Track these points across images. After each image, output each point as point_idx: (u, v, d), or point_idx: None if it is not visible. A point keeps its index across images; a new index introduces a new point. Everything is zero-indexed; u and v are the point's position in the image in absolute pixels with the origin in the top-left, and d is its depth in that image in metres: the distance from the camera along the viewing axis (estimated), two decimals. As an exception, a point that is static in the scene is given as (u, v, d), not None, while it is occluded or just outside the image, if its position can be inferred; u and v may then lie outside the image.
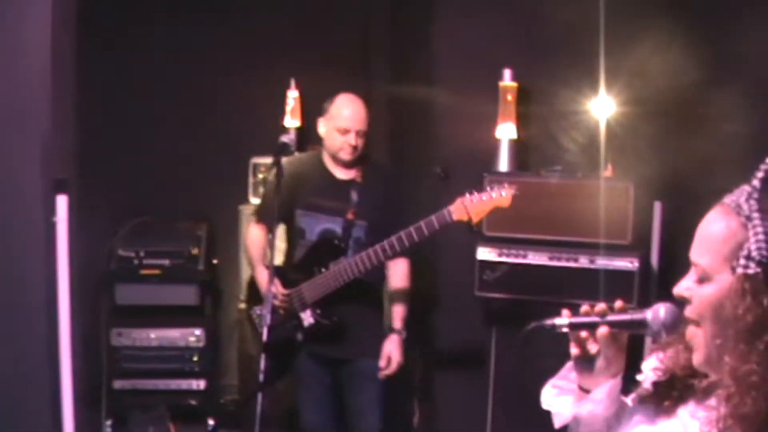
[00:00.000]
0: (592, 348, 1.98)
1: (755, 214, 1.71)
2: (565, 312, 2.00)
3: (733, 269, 1.72)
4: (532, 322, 2.02)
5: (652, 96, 5.10)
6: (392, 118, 6.72)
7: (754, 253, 1.68)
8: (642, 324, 1.93)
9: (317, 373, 4.96)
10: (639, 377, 2.03)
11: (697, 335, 1.84)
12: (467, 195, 4.51)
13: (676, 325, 1.90)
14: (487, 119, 5.29)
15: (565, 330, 1.98)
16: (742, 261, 1.70)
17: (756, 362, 1.68)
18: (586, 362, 2.02)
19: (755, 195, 1.73)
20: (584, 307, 1.99)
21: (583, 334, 1.98)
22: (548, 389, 2.16)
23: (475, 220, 4.51)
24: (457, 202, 4.50)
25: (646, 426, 1.95)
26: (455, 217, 4.49)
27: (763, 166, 1.74)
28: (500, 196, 4.47)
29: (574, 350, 2.02)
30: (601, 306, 1.97)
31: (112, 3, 6.16)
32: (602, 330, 1.95)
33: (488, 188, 4.50)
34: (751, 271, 1.69)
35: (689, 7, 5.00)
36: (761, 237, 1.68)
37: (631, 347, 2.03)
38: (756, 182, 1.74)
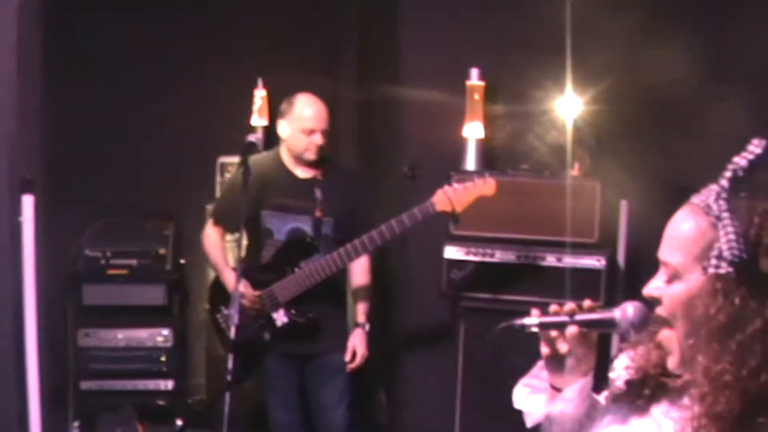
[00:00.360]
0: (562, 347, 1.98)
1: (725, 214, 1.71)
2: (535, 312, 2.00)
3: (705, 269, 1.73)
4: (502, 321, 2.02)
5: (619, 95, 5.12)
6: (360, 117, 6.73)
7: (726, 253, 1.69)
8: (610, 323, 1.94)
9: (285, 372, 4.98)
10: (611, 375, 2.05)
11: (671, 339, 1.84)
12: (449, 186, 4.52)
13: (645, 324, 1.90)
14: (454, 118, 5.29)
15: (534, 330, 1.99)
16: (713, 261, 1.71)
17: (729, 362, 1.69)
18: (557, 361, 2.02)
19: (724, 195, 1.74)
20: (553, 307, 2.00)
21: (553, 333, 1.99)
22: (520, 388, 2.16)
23: (458, 209, 4.52)
24: (438, 193, 4.51)
25: (618, 426, 1.96)
26: (438, 207, 4.51)
27: (730, 166, 1.75)
28: (483, 185, 4.49)
29: (544, 349, 2.02)
30: (570, 305, 1.98)
31: (79, 2, 6.13)
32: (571, 329, 1.95)
33: (471, 178, 4.52)
34: (722, 271, 1.70)
35: (656, 6, 5.02)
36: (732, 237, 1.69)
37: (598, 346, 2.05)
38: (724, 182, 1.75)
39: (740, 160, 1.74)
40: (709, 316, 1.72)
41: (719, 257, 1.70)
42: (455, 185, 4.55)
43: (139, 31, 6.43)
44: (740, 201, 1.73)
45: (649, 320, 1.89)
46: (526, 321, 1.99)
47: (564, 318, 1.97)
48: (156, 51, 6.46)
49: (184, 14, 6.52)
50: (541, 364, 2.10)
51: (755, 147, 1.74)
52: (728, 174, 1.75)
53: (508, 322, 2.00)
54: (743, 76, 4.00)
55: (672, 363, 1.86)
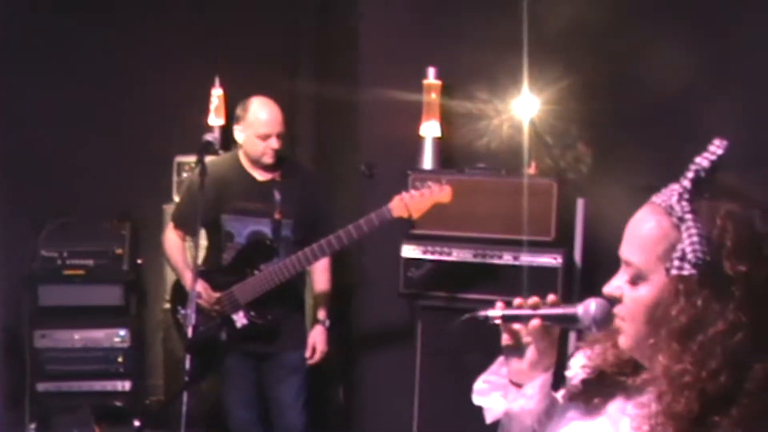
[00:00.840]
0: (525, 340, 2.00)
1: (688, 216, 1.71)
2: (499, 304, 2.01)
3: (667, 270, 1.73)
4: (466, 314, 2.04)
5: (575, 94, 5.15)
6: (317, 116, 6.73)
7: (689, 256, 1.69)
8: (573, 318, 1.95)
9: (243, 369, 5.00)
10: (567, 374, 2.05)
11: (624, 326, 1.85)
12: (406, 192, 4.55)
13: (607, 320, 1.91)
14: (411, 117, 5.30)
15: (497, 322, 2.00)
16: (676, 262, 1.71)
17: (689, 362, 1.70)
18: (517, 355, 2.03)
19: (686, 196, 1.74)
20: (517, 300, 2.01)
21: (517, 326, 2.00)
22: (479, 384, 2.15)
23: (415, 216, 4.58)
24: (396, 199, 4.55)
25: (579, 422, 1.96)
26: (395, 213, 4.55)
27: (692, 166, 1.74)
28: (440, 191, 4.52)
29: (505, 339, 2.03)
30: (533, 299, 2.00)
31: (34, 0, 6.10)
32: (534, 322, 1.96)
33: (428, 184, 4.54)
34: (685, 273, 1.70)
35: (614, 5, 5.05)
36: (695, 239, 1.69)
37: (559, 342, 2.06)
38: (686, 182, 1.74)
39: (702, 161, 1.74)
40: (670, 317, 1.73)
41: (682, 259, 1.70)
42: (412, 192, 4.58)
43: (96, 29, 6.40)
44: (702, 202, 1.73)
45: (611, 317, 1.90)
46: (490, 313, 2.00)
47: (527, 311, 1.98)
48: (112, 49, 6.43)
49: (141, 12, 6.50)
50: (501, 360, 2.10)
51: (717, 147, 1.74)
52: (690, 175, 1.74)
53: (473, 314, 2.02)
54: (701, 73, 4.04)
55: (624, 342, 1.86)
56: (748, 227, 1.71)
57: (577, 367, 2.04)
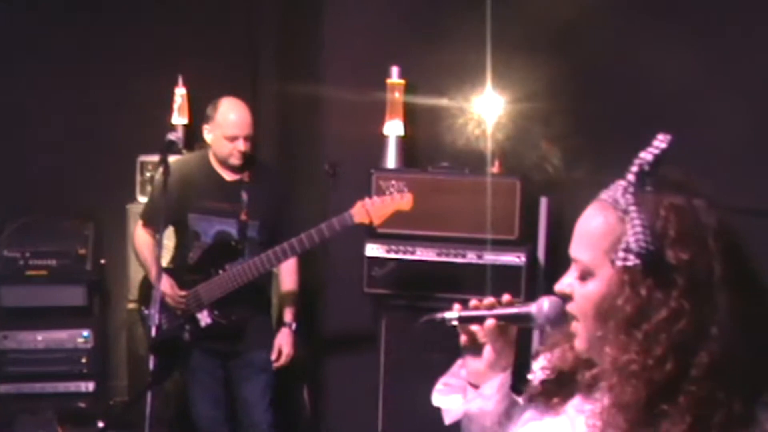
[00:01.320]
0: (481, 339, 2.02)
1: (632, 207, 1.73)
2: (456, 306, 2.04)
3: (613, 262, 1.75)
4: (424, 317, 2.06)
5: (538, 93, 5.17)
6: (280, 115, 6.72)
7: (633, 245, 1.71)
8: (527, 317, 1.97)
9: (209, 367, 5.00)
10: (529, 377, 2.06)
11: (578, 327, 1.87)
12: (368, 198, 4.57)
13: (560, 318, 1.93)
14: (374, 116, 5.31)
15: (454, 323, 2.02)
16: (621, 254, 1.72)
17: (635, 351, 1.71)
18: (475, 356, 2.05)
19: (631, 189, 1.76)
20: (473, 302, 2.04)
21: (475, 327, 2.02)
22: (439, 387, 2.17)
23: (376, 223, 4.61)
24: (357, 205, 4.56)
25: (538, 422, 1.97)
26: (357, 219, 4.57)
27: (636, 161, 1.77)
28: (401, 199, 4.55)
29: (462, 341, 2.05)
30: (489, 300, 2.02)
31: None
32: (489, 322, 1.99)
33: (388, 191, 4.56)
34: (630, 263, 1.72)
35: (577, 4, 5.07)
36: (638, 229, 1.71)
37: (520, 348, 2.08)
38: (631, 176, 1.77)
39: (646, 155, 1.77)
40: (616, 308, 1.74)
41: (627, 250, 1.72)
42: (374, 198, 4.60)
43: (59, 27, 6.37)
44: (646, 194, 1.75)
45: (564, 315, 1.92)
46: (447, 315, 2.02)
47: (483, 312, 2.01)
48: (75, 47, 6.40)
49: (103, 11, 6.47)
50: (460, 362, 2.12)
51: (660, 142, 1.77)
52: (634, 168, 1.77)
53: (430, 316, 2.05)
54: (668, 70, 4.06)
55: (578, 345, 1.88)
56: (691, 218, 1.73)
57: (538, 370, 2.04)
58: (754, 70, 3.64)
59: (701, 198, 1.76)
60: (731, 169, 3.42)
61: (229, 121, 4.80)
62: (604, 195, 1.82)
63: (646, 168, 1.77)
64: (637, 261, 1.71)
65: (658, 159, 1.77)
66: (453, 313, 2.02)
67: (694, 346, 1.69)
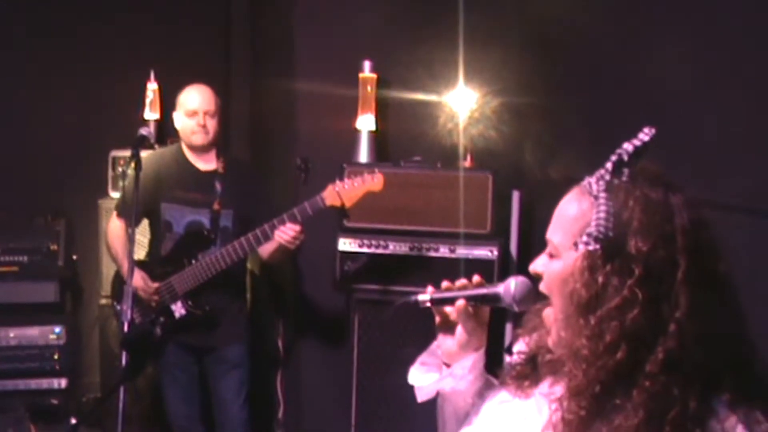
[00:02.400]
0: (452, 318, 2.06)
1: (602, 194, 1.76)
2: (429, 289, 2.09)
3: (575, 245, 1.77)
4: (399, 300, 2.13)
5: (510, 88, 5.18)
6: (253, 110, 6.71)
7: (593, 230, 1.73)
8: (495, 297, 2.02)
9: (183, 364, 5.00)
10: (508, 359, 2.08)
11: (550, 316, 1.89)
12: (339, 181, 4.57)
13: (527, 298, 1.98)
14: (347, 110, 5.31)
15: (428, 305, 2.08)
16: (584, 238, 1.75)
17: (587, 336, 1.74)
18: (448, 336, 2.09)
19: (606, 177, 1.79)
20: (445, 283, 2.09)
21: (449, 309, 2.06)
22: (416, 366, 2.19)
23: (348, 205, 4.60)
24: (329, 188, 4.57)
25: (505, 404, 2.00)
26: (328, 202, 4.57)
27: (618, 150, 1.80)
28: (372, 180, 4.54)
29: (436, 320, 2.10)
30: (461, 281, 2.08)
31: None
32: (459, 302, 2.03)
33: (360, 174, 4.56)
34: (591, 248, 1.74)
35: (545, 2, 5.09)
36: (602, 215, 1.74)
37: (495, 330, 2.12)
38: (608, 164, 1.80)
39: (627, 146, 1.79)
40: (574, 291, 1.77)
41: (588, 234, 1.74)
42: (345, 180, 4.59)
43: (29, 23, 6.33)
44: (620, 184, 1.78)
45: (531, 294, 1.97)
46: (420, 297, 2.08)
47: (454, 293, 2.05)
48: (45, 42, 6.37)
49: (75, 6, 6.44)
50: (437, 343, 2.15)
51: (644, 135, 1.80)
52: (613, 157, 1.80)
53: (404, 299, 2.11)
54: (641, 63, 4.07)
55: (550, 341, 1.90)
56: (661, 212, 1.74)
57: (516, 352, 2.07)
58: (725, 63, 3.66)
59: (679, 195, 1.77)
60: (707, 165, 3.43)
61: (188, 98, 4.91)
62: (586, 180, 1.85)
63: (625, 158, 1.79)
64: (596, 246, 1.74)
65: (639, 151, 1.79)
66: (425, 296, 2.07)
67: (649, 339, 1.70)
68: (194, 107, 4.86)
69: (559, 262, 1.84)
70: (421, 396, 2.17)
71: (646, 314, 1.70)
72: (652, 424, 1.68)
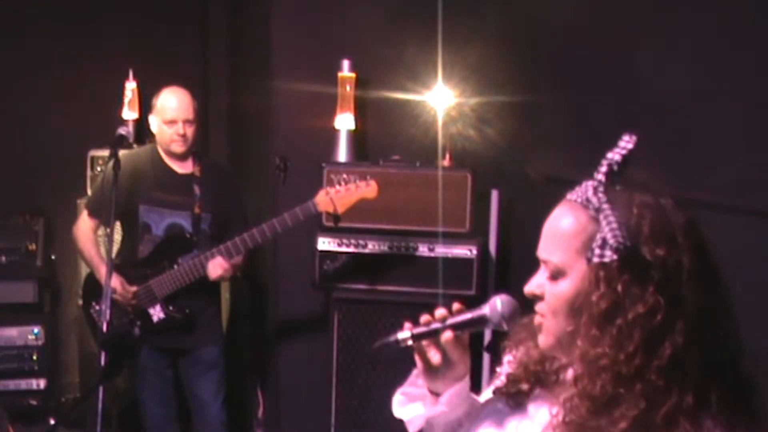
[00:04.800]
0: (434, 357, 2.00)
1: (605, 205, 1.75)
2: (407, 325, 2.02)
3: (589, 260, 1.76)
4: (377, 342, 2.05)
5: (489, 87, 5.19)
6: (231, 108, 6.70)
7: (611, 241, 1.72)
8: (482, 320, 1.97)
9: (159, 366, 4.98)
10: (498, 369, 2.08)
11: (545, 325, 1.88)
12: (330, 186, 4.56)
13: (515, 315, 1.95)
14: (326, 110, 5.30)
15: (409, 343, 2.00)
16: (597, 251, 1.74)
17: (608, 345, 1.73)
18: (431, 370, 2.04)
19: (602, 188, 1.78)
20: (424, 317, 2.01)
21: (432, 353, 2.00)
22: (398, 397, 2.16)
23: (340, 210, 4.59)
24: (321, 193, 4.56)
25: (501, 416, 1.99)
26: (321, 208, 4.57)
27: (604, 161, 1.80)
28: (366, 187, 4.54)
29: (418, 363, 2.05)
30: (440, 312, 2.01)
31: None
32: (446, 335, 1.97)
33: (353, 179, 4.56)
34: (606, 259, 1.73)
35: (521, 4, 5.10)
36: (614, 225, 1.72)
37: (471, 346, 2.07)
38: (600, 176, 1.80)
39: (614, 155, 1.80)
40: (590, 303, 1.76)
41: (602, 246, 1.74)
42: (338, 186, 4.58)
43: (7, 20, 6.31)
44: (618, 193, 1.78)
45: (518, 310, 1.95)
46: (400, 336, 2.00)
47: (437, 325, 1.99)
48: (24, 42, 6.34)
49: (52, 4, 6.41)
50: (416, 371, 2.10)
51: (627, 142, 1.80)
52: (604, 168, 1.80)
53: (383, 340, 2.03)
54: (614, 62, 4.08)
55: (543, 342, 1.89)
56: (662, 215, 1.75)
57: (505, 363, 2.07)
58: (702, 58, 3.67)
59: (667, 197, 1.79)
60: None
61: (167, 106, 4.82)
62: (572, 196, 1.84)
63: (615, 168, 1.80)
64: (614, 256, 1.73)
65: (626, 159, 1.80)
66: (405, 333, 2.00)
67: (661, 339, 1.71)
68: (173, 116, 4.80)
69: (566, 281, 1.82)
70: (413, 428, 2.14)
71: (666, 318, 1.71)
72: (649, 416, 1.69)
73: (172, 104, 4.82)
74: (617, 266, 1.73)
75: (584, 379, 1.76)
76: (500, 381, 2.03)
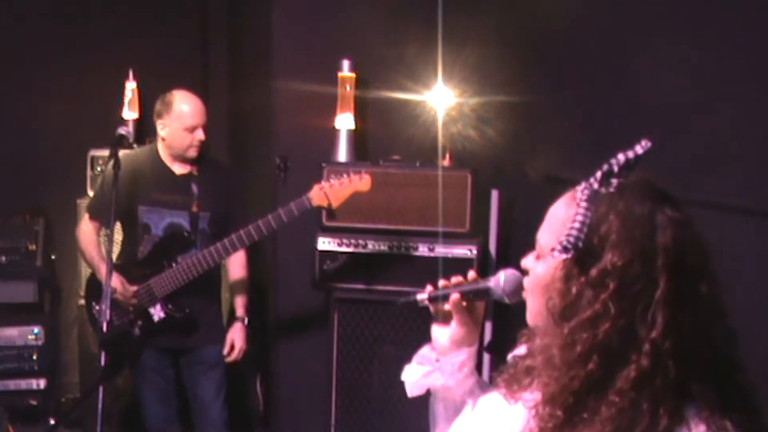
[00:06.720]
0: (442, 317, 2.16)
1: (583, 204, 1.75)
2: (429, 287, 2.18)
3: (552, 251, 1.78)
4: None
5: (489, 87, 5.19)
6: (231, 109, 6.70)
7: (563, 239, 1.75)
8: (486, 291, 2.12)
9: (160, 366, 4.98)
10: (508, 358, 2.09)
11: (527, 300, 1.93)
12: (325, 181, 4.56)
13: (517, 290, 2.02)
14: (326, 109, 5.30)
15: (426, 303, 2.18)
16: (558, 246, 1.75)
17: (559, 346, 1.75)
18: (445, 325, 2.16)
19: (592, 186, 1.78)
20: (442, 282, 2.18)
21: (447, 306, 2.13)
22: (411, 364, 2.25)
23: (335, 205, 4.59)
24: (315, 188, 4.55)
25: (493, 404, 2.01)
26: (315, 202, 4.56)
27: (610, 160, 1.78)
28: (359, 181, 4.54)
29: (432, 309, 2.18)
30: (457, 278, 2.15)
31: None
32: (453, 296, 2.11)
33: (346, 174, 4.56)
34: (561, 256, 1.75)
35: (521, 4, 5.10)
36: (577, 225, 1.74)
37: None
38: (598, 173, 1.79)
39: (620, 156, 1.78)
40: (550, 299, 1.79)
41: (560, 242, 1.76)
42: (331, 180, 4.58)
43: (7, 21, 6.31)
44: (606, 195, 1.76)
45: (521, 286, 1.99)
46: (419, 296, 2.18)
47: (449, 289, 2.13)
48: (24, 41, 6.34)
49: (52, 4, 6.41)
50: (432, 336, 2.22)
51: (640, 147, 1.78)
52: (604, 167, 1.79)
53: (406, 298, 2.21)
54: (612, 64, 4.08)
55: (528, 318, 1.94)
56: (643, 229, 1.71)
57: (515, 353, 2.09)
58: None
59: (669, 211, 1.73)
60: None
61: (187, 112, 4.80)
62: (579, 186, 1.84)
63: (615, 168, 1.78)
64: (566, 255, 1.74)
65: (630, 163, 1.77)
66: (423, 294, 2.17)
67: (622, 354, 1.69)
68: (193, 123, 4.78)
69: (543, 265, 1.85)
70: (411, 391, 2.22)
71: (618, 329, 1.69)
72: None
73: (191, 110, 4.81)
74: (577, 267, 1.74)
75: (543, 378, 1.79)
76: (501, 371, 2.04)
